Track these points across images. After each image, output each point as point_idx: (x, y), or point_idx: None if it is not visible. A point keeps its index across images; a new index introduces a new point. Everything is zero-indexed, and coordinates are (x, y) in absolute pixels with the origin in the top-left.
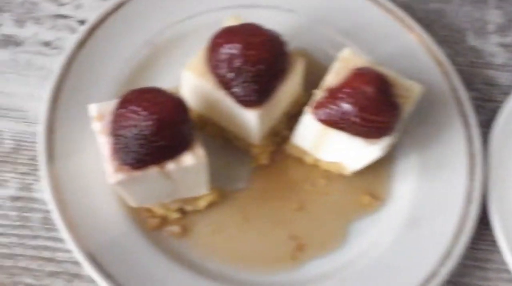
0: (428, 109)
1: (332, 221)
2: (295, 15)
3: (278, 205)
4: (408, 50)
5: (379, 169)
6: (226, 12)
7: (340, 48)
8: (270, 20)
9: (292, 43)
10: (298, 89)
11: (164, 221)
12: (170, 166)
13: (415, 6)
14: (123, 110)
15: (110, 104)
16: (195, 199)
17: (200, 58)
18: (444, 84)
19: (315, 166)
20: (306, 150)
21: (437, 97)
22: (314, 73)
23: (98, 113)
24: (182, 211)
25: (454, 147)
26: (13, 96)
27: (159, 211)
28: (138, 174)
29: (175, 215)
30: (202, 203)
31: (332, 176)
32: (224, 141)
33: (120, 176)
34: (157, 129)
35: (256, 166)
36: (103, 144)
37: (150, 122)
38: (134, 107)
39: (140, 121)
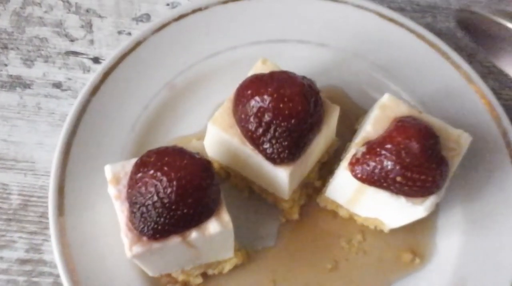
0: (476, 156)
1: (370, 282)
2: (327, 50)
3: (310, 265)
4: (453, 89)
5: (421, 223)
6: (254, 47)
7: (376, 86)
8: (300, 56)
9: (324, 80)
10: (331, 137)
11: None
12: (193, 234)
13: (458, 33)
14: (140, 175)
15: (126, 166)
16: (219, 263)
17: (226, 109)
18: (493, 127)
19: (350, 220)
20: (341, 203)
21: (486, 142)
22: (349, 114)
23: (113, 176)
24: (205, 275)
25: (505, 198)
26: (21, 145)
27: (180, 276)
28: (157, 245)
29: (197, 280)
30: (227, 267)
31: (369, 231)
32: (250, 193)
33: (137, 249)
34: (178, 197)
35: (286, 221)
36: (119, 210)
37: (170, 190)
38: (152, 172)
39: (160, 188)
